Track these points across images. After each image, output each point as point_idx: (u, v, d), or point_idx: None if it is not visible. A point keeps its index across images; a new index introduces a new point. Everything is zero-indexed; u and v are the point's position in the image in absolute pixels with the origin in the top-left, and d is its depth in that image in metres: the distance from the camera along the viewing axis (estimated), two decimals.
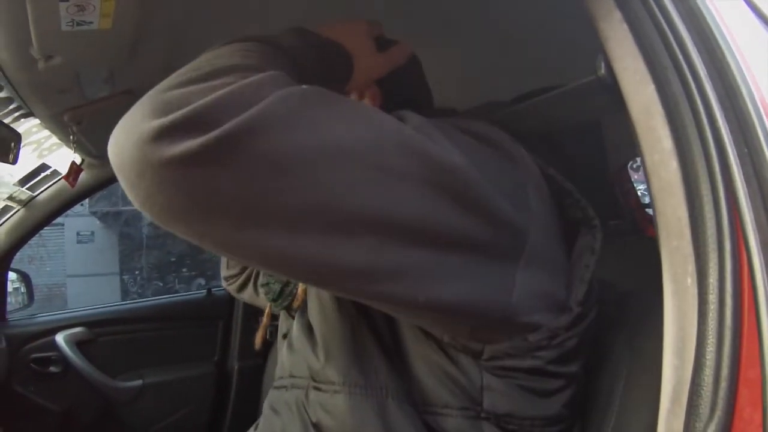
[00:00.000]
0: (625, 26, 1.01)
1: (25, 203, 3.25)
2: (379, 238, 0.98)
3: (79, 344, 3.46)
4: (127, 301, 5.63)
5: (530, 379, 1.26)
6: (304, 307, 1.53)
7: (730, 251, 0.85)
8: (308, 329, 1.46)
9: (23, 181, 3.17)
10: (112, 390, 3.51)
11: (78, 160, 2.95)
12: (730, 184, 0.88)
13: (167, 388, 3.60)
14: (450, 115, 1.50)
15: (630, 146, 3.02)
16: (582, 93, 1.21)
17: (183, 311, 3.90)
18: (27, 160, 2.92)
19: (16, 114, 2.32)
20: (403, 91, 1.55)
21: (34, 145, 2.78)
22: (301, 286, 1.52)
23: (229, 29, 1.97)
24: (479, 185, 1.06)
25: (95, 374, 3.45)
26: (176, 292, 13.93)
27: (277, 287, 1.57)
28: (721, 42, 0.97)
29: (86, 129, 2.51)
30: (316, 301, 1.45)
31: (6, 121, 2.32)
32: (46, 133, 2.65)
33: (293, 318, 1.57)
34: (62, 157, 3.02)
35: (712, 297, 0.85)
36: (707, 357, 0.84)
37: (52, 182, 3.24)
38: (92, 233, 15.75)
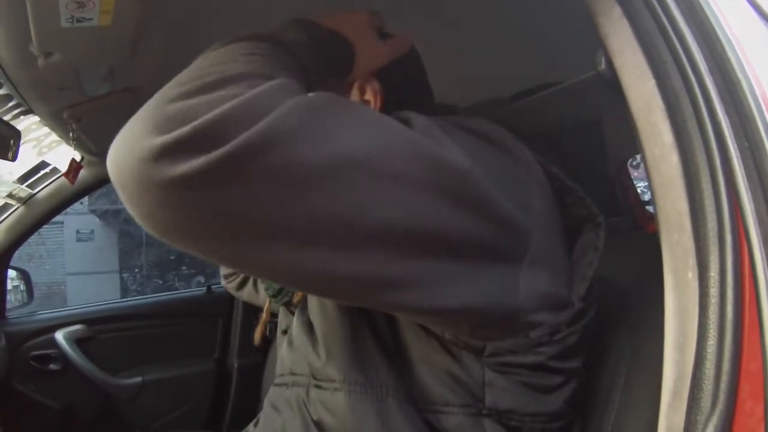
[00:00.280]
0: (625, 21, 1.01)
1: (25, 201, 3.25)
2: (389, 249, 0.98)
3: (78, 342, 3.47)
4: (127, 299, 5.64)
5: (532, 375, 1.26)
6: (304, 304, 1.52)
7: (731, 245, 0.86)
8: (308, 326, 1.46)
9: (23, 179, 3.17)
10: (112, 387, 3.51)
11: (78, 157, 2.96)
12: (730, 177, 0.88)
13: (167, 386, 3.61)
14: (451, 112, 1.50)
15: (630, 143, 3.01)
16: (582, 89, 1.21)
17: (183, 308, 3.91)
18: (27, 157, 2.92)
19: (16, 111, 2.32)
20: (404, 87, 1.53)
21: (34, 143, 2.79)
22: None
23: (229, 26, 1.97)
24: (485, 188, 1.06)
25: (95, 371, 3.46)
26: (176, 289, 13.93)
27: (277, 285, 1.55)
28: (721, 36, 0.97)
29: (86, 126, 2.51)
30: (317, 299, 1.45)
31: (5, 118, 2.33)
32: (46, 130, 2.65)
33: (293, 314, 1.57)
34: (62, 155, 3.02)
35: (713, 290, 0.85)
36: (708, 350, 0.84)
37: (52, 180, 3.24)
38: (92, 231, 15.75)
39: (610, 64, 1.05)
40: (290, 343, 1.52)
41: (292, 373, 1.47)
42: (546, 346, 1.24)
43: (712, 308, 0.85)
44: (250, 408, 3.10)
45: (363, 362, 1.32)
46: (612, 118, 1.68)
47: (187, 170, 0.82)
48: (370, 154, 0.95)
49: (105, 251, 15.79)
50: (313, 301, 1.46)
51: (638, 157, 4.38)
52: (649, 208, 3.55)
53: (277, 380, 1.54)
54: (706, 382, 0.84)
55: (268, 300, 1.86)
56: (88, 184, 3.33)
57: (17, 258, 3.52)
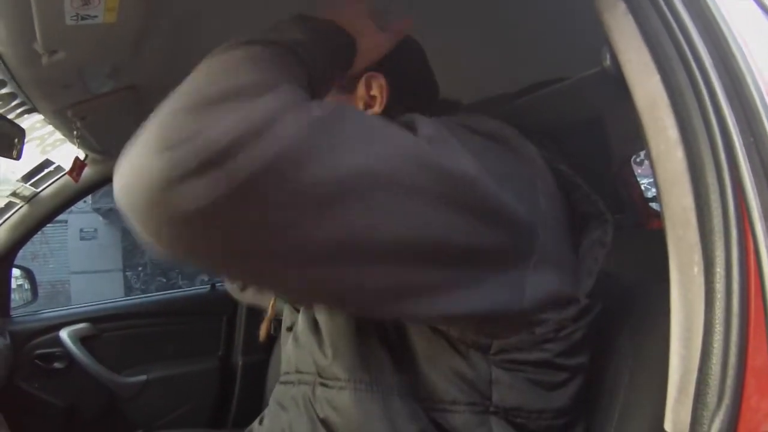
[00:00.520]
0: (629, 17, 1.01)
1: (29, 199, 3.25)
2: (402, 262, 0.99)
3: (83, 340, 3.46)
4: (132, 297, 5.65)
5: (538, 371, 1.26)
6: None
7: (737, 240, 0.86)
8: (314, 324, 1.45)
9: (27, 177, 3.17)
10: (117, 385, 3.51)
11: (81, 155, 2.96)
12: (736, 173, 0.88)
13: (171, 383, 3.60)
14: (454, 108, 1.53)
15: (633, 140, 3.01)
16: (586, 86, 1.21)
17: (187, 306, 3.91)
18: (30, 155, 2.93)
19: (20, 110, 2.32)
20: (409, 83, 1.55)
21: (38, 141, 2.79)
22: None
23: (233, 23, 1.97)
24: (494, 193, 1.07)
25: (100, 370, 3.45)
26: (179, 288, 13.92)
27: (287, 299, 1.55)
28: (725, 32, 0.97)
29: (90, 124, 2.51)
30: None
31: (9, 117, 2.33)
32: (50, 128, 2.65)
33: (298, 311, 1.57)
34: (65, 153, 3.02)
35: (719, 286, 0.85)
36: (714, 346, 0.84)
37: (56, 178, 3.24)
38: (95, 230, 15.76)
39: (614, 60, 1.05)
40: (296, 340, 1.52)
41: (298, 371, 1.47)
42: (551, 342, 1.24)
43: (717, 303, 0.85)
44: (255, 405, 3.10)
45: (369, 361, 1.32)
46: (615, 114, 1.68)
47: (201, 202, 0.82)
48: (380, 169, 0.95)
49: (108, 250, 15.80)
50: None
51: (642, 153, 4.39)
52: (653, 205, 3.55)
53: (283, 378, 1.54)
54: (712, 377, 0.84)
55: (273, 296, 1.85)
56: (92, 182, 3.33)
57: (21, 257, 3.52)
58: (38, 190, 3.24)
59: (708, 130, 0.91)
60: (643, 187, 3.97)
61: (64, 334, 3.40)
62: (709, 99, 0.92)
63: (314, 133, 0.90)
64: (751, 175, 0.87)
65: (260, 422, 1.58)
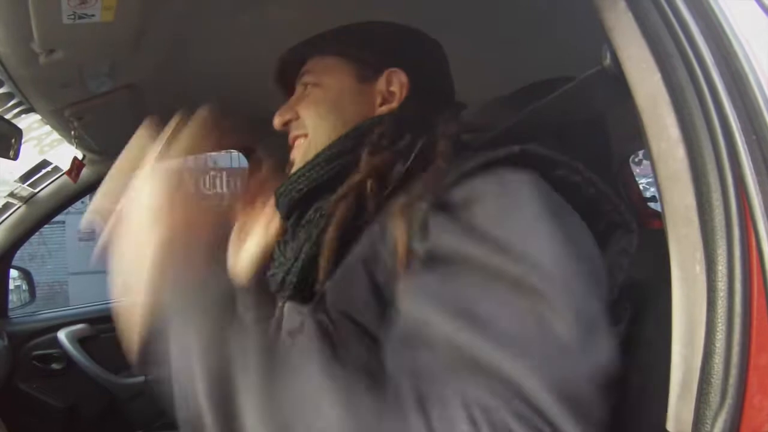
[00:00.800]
0: (629, 15, 1.01)
1: (27, 200, 3.24)
2: None
3: (81, 341, 3.46)
4: None
5: None
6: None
7: (739, 238, 0.85)
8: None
9: (24, 178, 3.17)
10: (115, 386, 3.51)
11: (80, 155, 2.96)
12: (738, 171, 0.88)
13: (170, 385, 3.58)
14: (460, 110, 1.54)
15: (632, 140, 3.00)
16: (590, 85, 1.20)
17: None
18: (28, 156, 2.92)
19: (17, 110, 2.32)
20: (428, 83, 1.55)
21: (35, 141, 2.78)
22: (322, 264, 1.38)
23: (231, 22, 1.97)
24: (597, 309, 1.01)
25: (98, 371, 3.45)
26: None
27: (279, 277, 1.49)
28: (727, 29, 0.97)
29: (88, 124, 2.51)
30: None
31: (7, 117, 2.32)
32: (47, 128, 2.65)
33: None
34: (63, 154, 3.02)
35: (721, 284, 0.85)
36: (717, 345, 0.84)
37: (54, 179, 3.24)
38: (93, 231, 15.72)
39: (615, 58, 1.05)
40: None
41: None
42: None
43: (720, 302, 0.85)
44: None
45: None
46: (614, 114, 1.68)
47: None
48: None
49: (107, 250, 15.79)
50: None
51: (640, 153, 4.38)
52: (651, 205, 3.56)
53: None
54: (714, 376, 0.84)
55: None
56: (90, 183, 3.34)
57: (18, 258, 3.51)
58: (36, 190, 3.24)
59: (709, 128, 0.90)
60: (641, 187, 3.98)
61: (62, 335, 3.40)
62: (710, 97, 0.91)
63: None
64: (753, 173, 0.87)
65: None
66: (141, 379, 3.54)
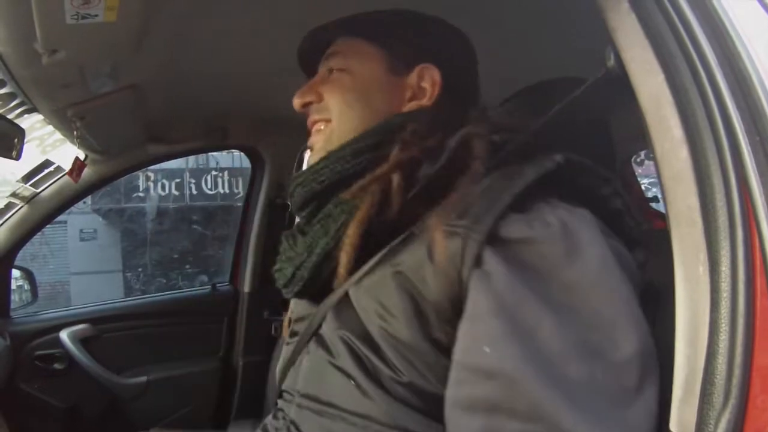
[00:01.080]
0: (633, 16, 1.01)
1: (29, 200, 3.24)
2: None
3: (83, 341, 3.46)
4: (132, 297, 5.67)
5: None
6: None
7: (742, 239, 0.85)
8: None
9: (27, 178, 3.17)
10: (117, 386, 3.51)
11: (81, 155, 2.96)
12: (741, 171, 0.88)
13: (172, 384, 3.61)
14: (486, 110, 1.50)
15: (633, 141, 2.99)
16: (597, 89, 1.20)
17: (188, 307, 3.90)
18: (30, 156, 2.92)
19: (20, 110, 2.32)
20: (460, 81, 1.54)
21: (37, 141, 2.78)
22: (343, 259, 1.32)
23: (233, 22, 1.98)
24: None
25: (100, 371, 3.45)
26: (179, 288, 13.90)
27: (288, 271, 1.47)
28: (730, 30, 0.97)
29: (90, 124, 2.51)
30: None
31: (9, 117, 2.32)
32: (49, 128, 2.65)
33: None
34: (65, 153, 3.02)
35: (725, 285, 0.85)
36: (720, 345, 0.84)
37: (56, 179, 3.24)
38: (95, 231, 15.74)
39: (619, 59, 1.05)
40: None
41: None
42: None
43: (723, 303, 0.85)
44: (255, 406, 3.10)
45: None
46: (616, 115, 1.68)
47: None
48: None
49: (109, 250, 15.80)
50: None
51: (641, 153, 4.38)
52: (653, 205, 3.56)
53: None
54: (717, 377, 0.84)
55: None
56: (91, 183, 3.34)
57: (20, 258, 3.51)
58: (38, 190, 3.23)
59: (713, 129, 0.90)
60: (643, 187, 3.98)
61: (64, 335, 3.39)
62: (713, 97, 0.92)
63: None
64: (756, 173, 0.87)
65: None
66: (143, 379, 3.55)
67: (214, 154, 13.82)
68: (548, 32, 2.06)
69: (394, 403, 1.19)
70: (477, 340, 1.06)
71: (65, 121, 2.44)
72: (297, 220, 1.56)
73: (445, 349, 1.12)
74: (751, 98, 0.92)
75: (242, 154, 3.91)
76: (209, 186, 14.79)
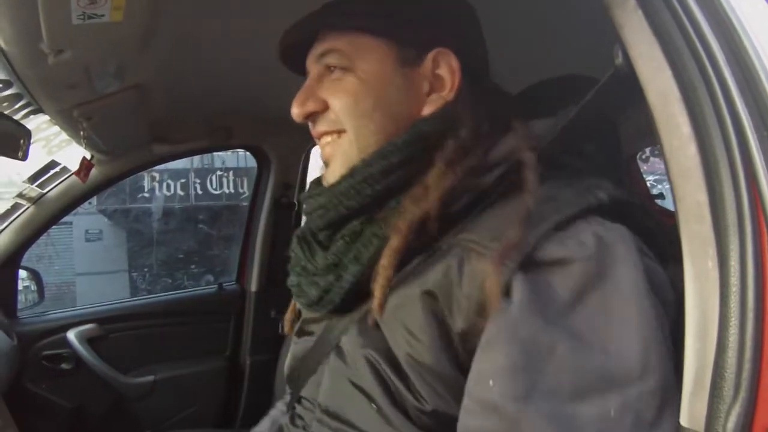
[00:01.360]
0: (639, 12, 1.01)
1: (35, 200, 3.25)
2: None
3: (90, 341, 3.47)
4: (139, 297, 5.68)
5: None
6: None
7: (751, 233, 0.85)
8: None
9: (33, 179, 3.17)
10: (124, 386, 3.52)
11: (88, 156, 2.97)
12: (750, 167, 0.88)
13: (179, 384, 3.62)
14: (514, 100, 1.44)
15: (639, 138, 2.99)
16: (609, 88, 1.20)
17: (194, 306, 3.91)
18: (36, 157, 2.93)
19: (26, 110, 2.32)
20: (479, 64, 1.44)
21: (43, 142, 2.79)
22: (377, 293, 1.23)
23: (239, 22, 1.98)
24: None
25: (107, 370, 3.46)
26: (185, 288, 13.90)
27: (313, 294, 1.37)
28: (737, 26, 0.97)
29: (96, 124, 2.52)
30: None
31: (16, 117, 2.33)
32: (55, 129, 2.66)
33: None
34: (70, 154, 3.03)
35: (734, 280, 0.85)
36: (730, 339, 0.84)
37: (62, 179, 3.25)
38: (100, 231, 15.74)
39: (626, 57, 1.05)
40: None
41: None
42: None
43: (732, 297, 0.85)
44: (263, 405, 3.11)
45: None
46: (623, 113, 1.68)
47: None
48: None
49: (114, 251, 15.80)
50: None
51: (647, 150, 4.39)
52: (659, 202, 3.56)
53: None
54: (727, 371, 0.84)
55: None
56: (98, 183, 3.35)
57: (26, 259, 3.52)
58: (44, 191, 3.24)
59: (721, 125, 0.90)
60: (648, 184, 3.99)
61: (71, 334, 3.41)
62: (721, 94, 0.92)
63: None
64: (765, 169, 0.87)
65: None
66: (150, 378, 3.56)
67: (220, 153, 13.82)
68: (553, 30, 2.06)
69: None
70: (484, 371, 1.06)
71: (72, 122, 2.45)
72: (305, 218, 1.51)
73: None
74: (759, 94, 0.92)
75: (247, 153, 3.91)
76: (214, 186, 14.78)
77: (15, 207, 3.26)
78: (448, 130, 1.28)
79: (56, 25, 1.58)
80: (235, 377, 3.77)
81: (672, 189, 0.97)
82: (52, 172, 3.21)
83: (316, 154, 3.82)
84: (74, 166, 3.04)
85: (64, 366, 3.41)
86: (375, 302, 1.21)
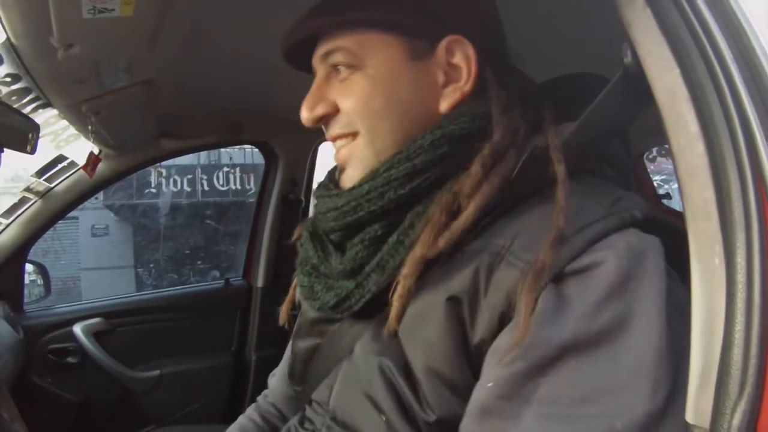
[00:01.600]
0: (648, 11, 1.01)
1: (42, 195, 3.26)
2: None
3: (96, 335, 3.48)
4: (146, 292, 5.64)
5: None
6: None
7: (758, 231, 0.86)
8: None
9: (41, 173, 3.18)
10: (130, 380, 3.53)
11: (96, 150, 2.97)
12: (757, 165, 0.88)
13: (185, 379, 3.63)
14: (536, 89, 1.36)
15: (646, 137, 2.99)
16: (619, 90, 1.20)
17: (201, 301, 3.93)
18: (44, 151, 2.94)
19: (35, 105, 2.33)
20: (497, 47, 1.35)
21: (51, 136, 2.79)
22: (396, 304, 1.17)
23: (250, 18, 1.98)
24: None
25: (113, 364, 3.47)
26: (191, 284, 13.89)
27: (328, 300, 1.29)
28: (745, 24, 0.97)
29: (104, 119, 2.52)
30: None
31: (24, 111, 2.33)
32: (63, 123, 2.66)
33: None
34: (77, 149, 3.04)
35: (740, 277, 0.85)
36: (736, 336, 0.84)
37: (70, 173, 3.25)
38: (107, 226, 15.74)
39: (635, 56, 1.05)
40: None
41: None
42: None
43: (739, 294, 0.85)
44: None
45: None
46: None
47: None
48: None
49: (120, 246, 15.81)
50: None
51: (654, 150, 4.40)
52: (666, 202, 3.55)
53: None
54: (733, 367, 0.84)
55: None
56: (105, 178, 3.37)
57: (32, 253, 3.53)
58: (52, 185, 3.25)
59: (728, 124, 0.91)
60: (655, 184, 3.99)
61: (77, 328, 3.42)
62: (729, 92, 0.92)
63: None
64: None
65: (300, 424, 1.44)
66: (156, 373, 3.58)
67: (228, 150, 13.82)
68: (561, 29, 2.06)
69: None
70: (487, 374, 1.04)
71: (80, 116, 2.46)
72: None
73: None
74: (766, 92, 0.92)
75: (255, 150, 3.92)
76: (221, 182, 14.78)
77: (22, 201, 3.28)
78: (479, 130, 1.21)
79: (66, 19, 1.58)
80: (240, 372, 3.79)
81: (680, 187, 0.97)
82: (59, 166, 3.22)
83: (323, 150, 3.83)
84: (82, 161, 3.05)
85: (70, 360, 3.42)
86: (392, 313, 1.16)
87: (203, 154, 13.63)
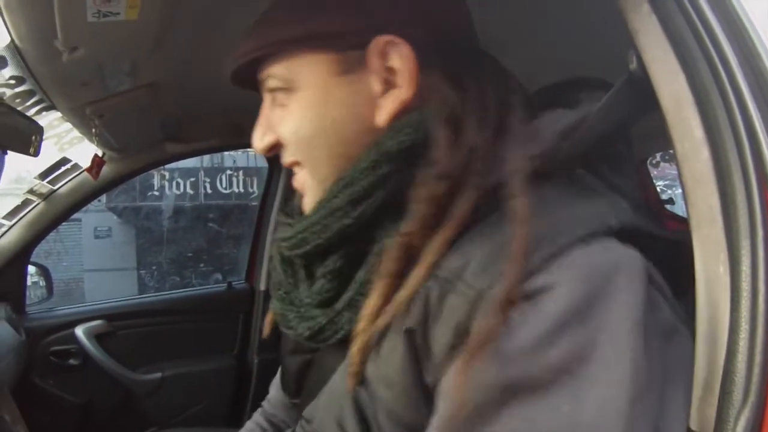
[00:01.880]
0: (654, 17, 1.01)
1: (46, 197, 3.26)
2: None
3: (98, 337, 3.48)
4: (148, 294, 5.65)
5: None
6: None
7: (763, 238, 0.85)
8: None
9: (44, 175, 3.19)
10: (132, 382, 3.53)
11: (100, 153, 2.98)
12: (762, 172, 0.88)
13: (187, 381, 3.63)
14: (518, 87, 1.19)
15: (649, 142, 2.99)
16: (624, 94, 1.19)
17: (203, 304, 3.93)
18: (47, 153, 2.94)
19: (38, 107, 2.33)
20: (447, 41, 1.13)
21: (55, 139, 2.80)
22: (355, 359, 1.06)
23: (252, 21, 1.99)
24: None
25: (115, 367, 3.47)
26: (193, 287, 13.90)
27: (302, 330, 1.18)
28: (750, 31, 0.97)
29: (108, 122, 2.53)
30: None
31: (28, 114, 2.34)
32: (67, 126, 2.66)
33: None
34: (81, 151, 3.05)
35: (745, 284, 0.85)
36: (740, 344, 0.84)
37: (73, 176, 3.26)
38: (109, 229, 15.78)
39: (641, 62, 1.05)
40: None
41: None
42: None
43: (743, 302, 0.85)
44: None
45: None
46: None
47: None
48: None
49: (123, 248, 15.83)
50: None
51: (657, 155, 4.40)
52: (669, 207, 3.55)
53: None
54: (737, 375, 0.84)
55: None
56: (109, 180, 3.37)
57: (35, 255, 3.53)
58: (55, 187, 3.25)
59: (734, 130, 0.90)
60: (658, 189, 3.99)
61: (79, 331, 3.42)
62: (734, 98, 0.92)
63: None
64: None
65: None
66: (158, 375, 3.57)
67: (231, 153, 13.85)
68: (566, 34, 2.06)
69: None
70: (431, 421, 0.95)
71: (84, 119, 2.46)
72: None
73: None
74: None
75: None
76: (224, 185, 14.81)
77: (25, 203, 3.28)
78: (425, 139, 1.05)
79: (71, 22, 1.58)
80: (242, 375, 3.78)
81: (684, 193, 0.97)
82: (63, 168, 3.23)
83: None
84: (86, 163, 3.05)
85: (72, 362, 3.43)
86: (350, 369, 1.06)
87: (206, 156, 13.64)
